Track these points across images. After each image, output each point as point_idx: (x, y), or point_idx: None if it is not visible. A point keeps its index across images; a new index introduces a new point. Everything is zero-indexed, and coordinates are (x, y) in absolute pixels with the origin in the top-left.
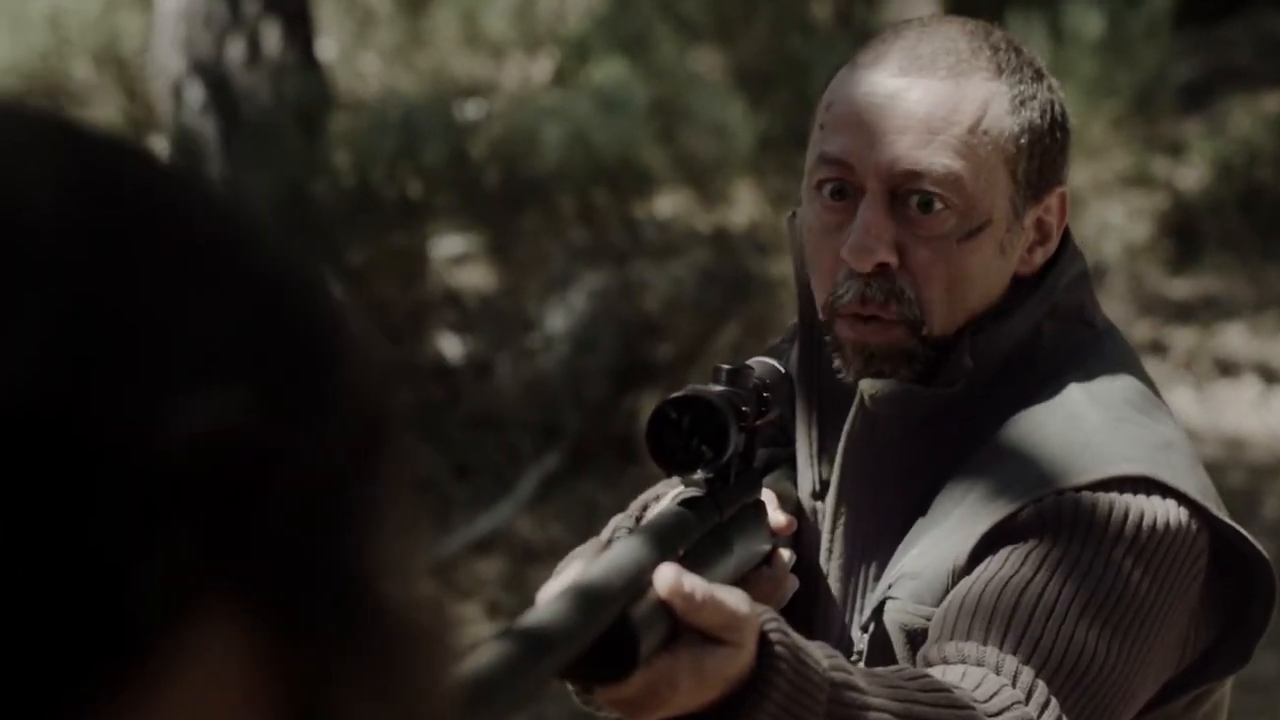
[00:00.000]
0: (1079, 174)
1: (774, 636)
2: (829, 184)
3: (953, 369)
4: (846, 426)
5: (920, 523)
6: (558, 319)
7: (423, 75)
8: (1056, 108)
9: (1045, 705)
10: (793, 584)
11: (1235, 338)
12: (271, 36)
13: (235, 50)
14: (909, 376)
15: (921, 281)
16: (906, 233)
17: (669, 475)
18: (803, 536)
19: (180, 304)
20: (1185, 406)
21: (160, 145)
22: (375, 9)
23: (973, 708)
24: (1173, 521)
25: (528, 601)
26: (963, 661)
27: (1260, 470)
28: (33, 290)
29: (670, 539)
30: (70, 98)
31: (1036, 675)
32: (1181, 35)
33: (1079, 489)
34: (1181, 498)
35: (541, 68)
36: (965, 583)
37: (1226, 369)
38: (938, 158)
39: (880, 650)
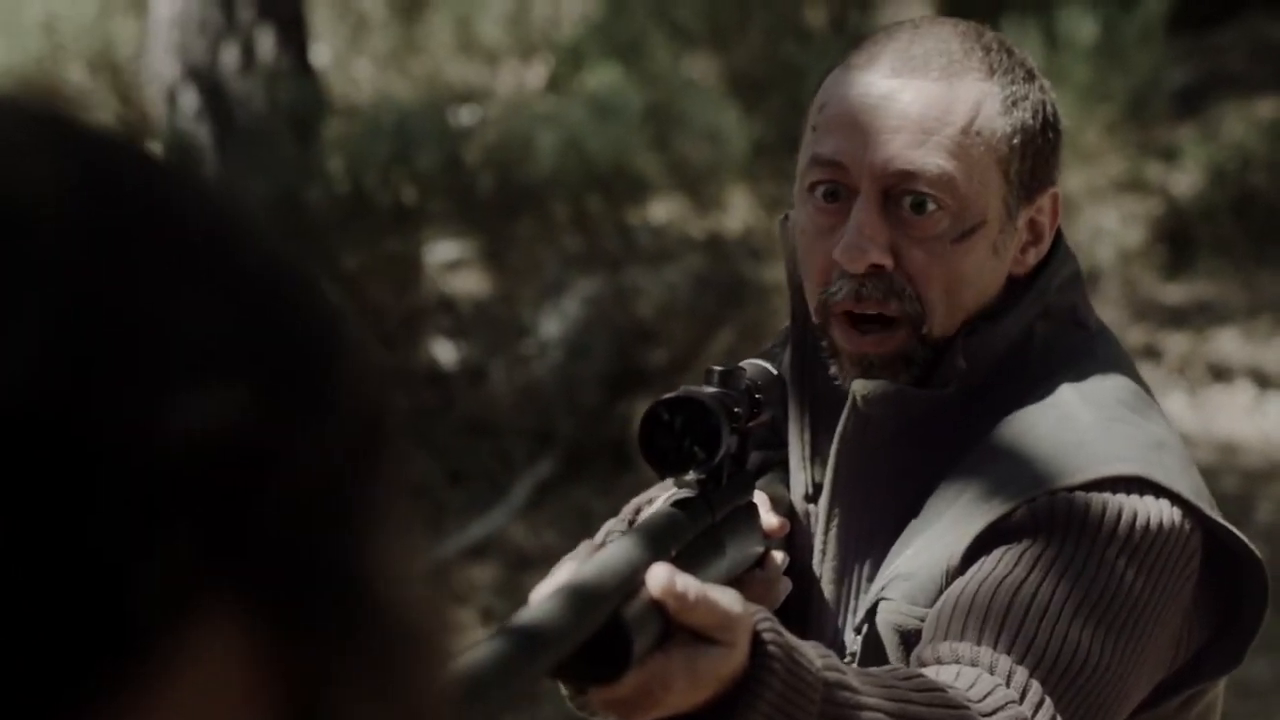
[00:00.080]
0: (1073, 179)
1: (767, 636)
2: (822, 186)
3: (946, 370)
4: (839, 428)
5: (913, 524)
6: (552, 325)
7: (417, 81)
8: (1048, 108)
9: (1039, 705)
10: (786, 586)
11: (1229, 343)
12: (266, 42)
13: (229, 56)
14: (907, 380)
15: (920, 282)
16: (900, 234)
17: (661, 476)
18: (796, 539)
19: (179, 303)
20: (1179, 411)
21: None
22: (369, 15)
23: (967, 707)
24: (1165, 521)
25: (521, 608)
26: (956, 661)
27: (1254, 475)
28: (33, 290)
29: (663, 539)
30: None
31: (1030, 675)
32: (1175, 41)
33: (1072, 489)
34: (1174, 498)
35: (536, 74)
36: (959, 583)
37: (1220, 374)
38: (931, 158)
39: (874, 652)
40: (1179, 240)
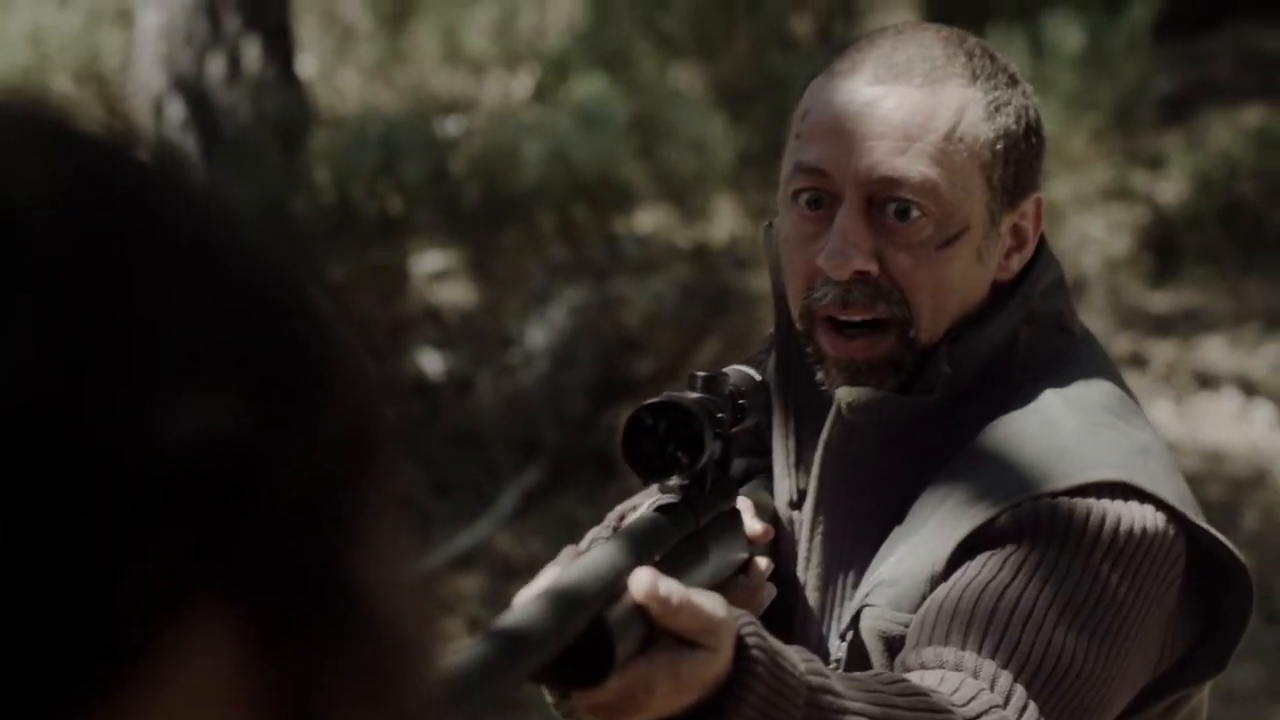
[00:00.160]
0: (1059, 187)
1: (751, 641)
2: (805, 193)
3: (931, 376)
4: (823, 435)
5: (897, 530)
6: (538, 335)
7: (403, 92)
8: (1031, 113)
9: (1023, 709)
10: (770, 592)
11: (1215, 351)
12: (252, 53)
13: (215, 67)
14: (893, 386)
15: (905, 288)
16: (884, 241)
17: (645, 481)
18: (780, 545)
19: (171, 307)
20: (1165, 419)
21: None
22: (355, 26)
23: (951, 711)
24: (1150, 526)
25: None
26: (941, 666)
27: (1240, 483)
28: (26, 292)
29: (646, 544)
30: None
31: (1015, 679)
32: (1161, 49)
33: (1056, 494)
34: (1158, 503)
35: (522, 84)
36: (943, 588)
37: (1206, 382)
38: (915, 165)
39: (858, 658)
40: (1165, 248)
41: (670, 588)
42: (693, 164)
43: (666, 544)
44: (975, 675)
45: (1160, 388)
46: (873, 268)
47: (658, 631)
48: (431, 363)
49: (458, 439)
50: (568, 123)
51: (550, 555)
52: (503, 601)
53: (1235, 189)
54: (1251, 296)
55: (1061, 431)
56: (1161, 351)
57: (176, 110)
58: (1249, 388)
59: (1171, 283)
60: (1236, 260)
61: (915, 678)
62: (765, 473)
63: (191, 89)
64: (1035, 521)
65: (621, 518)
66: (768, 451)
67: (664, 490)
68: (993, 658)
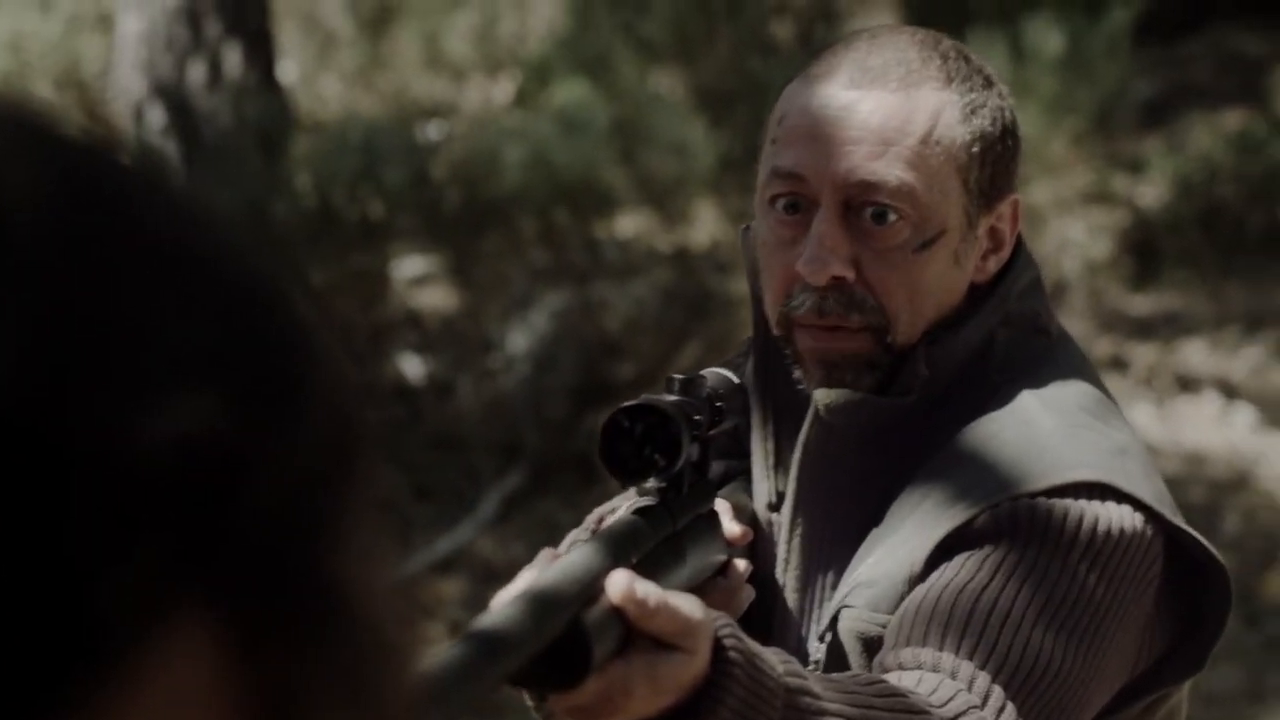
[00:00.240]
0: (1040, 191)
1: (728, 643)
2: (782, 198)
3: (908, 378)
4: (801, 437)
5: (875, 532)
6: (519, 339)
7: (384, 97)
8: (1007, 114)
9: (1001, 710)
10: (748, 594)
11: (1195, 354)
12: (232, 59)
13: (196, 72)
14: (870, 385)
15: (882, 293)
16: (861, 245)
17: (622, 484)
18: (759, 548)
19: (153, 311)
20: (1146, 422)
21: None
22: (336, 31)
23: (929, 712)
24: (1127, 527)
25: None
26: (919, 667)
27: (1220, 485)
28: (8, 295)
29: (623, 546)
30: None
31: (992, 680)
32: (1142, 52)
33: (1034, 495)
34: (1136, 503)
35: (502, 89)
36: (921, 589)
37: (1187, 385)
38: (892, 169)
39: (837, 660)
40: (1145, 252)
41: (647, 590)
42: (673, 168)
43: (644, 546)
44: (953, 676)
45: (1141, 390)
46: (849, 273)
47: (635, 634)
48: (412, 367)
49: (439, 443)
50: (548, 128)
51: (531, 559)
52: (484, 605)
53: (1216, 192)
54: (1232, 299)
55: (1039, 432)
56: (1142, 354)
57: (157, 116)
58: (1229, 390)
59: (1152, 286)
60: (1217, 263)
61: (893, 678)
62: (744, 475)
63: (172, 95)
64: (1013, 522)
65: (600, 520)
66: (747, 454)
67: (641, 493)
68: (970, 658)
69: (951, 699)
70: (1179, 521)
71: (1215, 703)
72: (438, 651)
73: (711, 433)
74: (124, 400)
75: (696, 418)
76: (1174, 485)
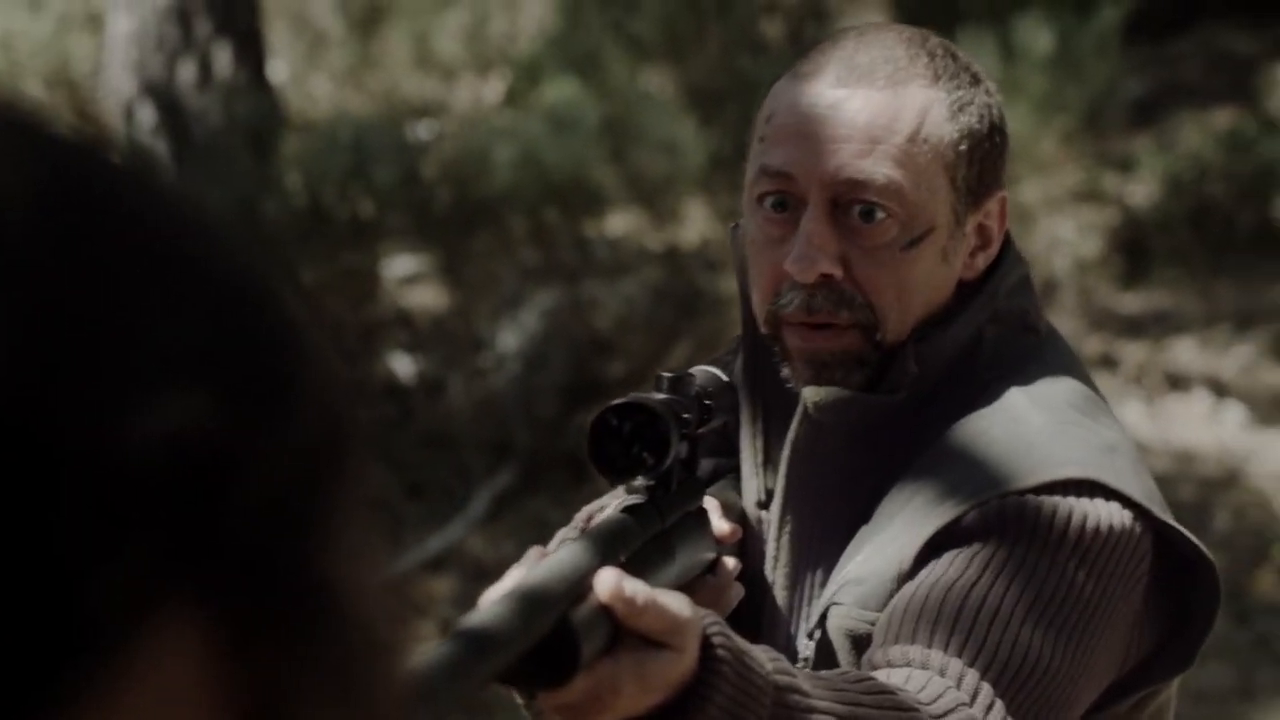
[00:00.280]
0: (1030, 190)
1: (717, 640)
2: (770, 196)
3: (897, 376)
4: (790, 435)
5: (864, 529)
6: (509, 338)
7: (374, 96)
8: (994, 111)
9: (990, 706)
10: (738, 592)
11: (1185, 352)
12: (223, 58)
13: (186, 72)
14: (858, 383)
15: (870, 290)
16: (849, 243)
17: (610, 482)
18: (748, 545)
19: (143, 309)
20: (1136, 420)
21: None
22: (326, 31)
23: (918, 710)
24: (1116, 524)
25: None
26: (907, 664)
27: (1211, 483)
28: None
29: (611, 544)
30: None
31: (981, 677)
32: (1131, 51)
33: (1023, 492)
34: (1125, 500)
35: (493, 88)
36: (910, 586)
37: (1177, 383)
38: (879, 167)
39: (826, 657)
40: (1135, 250)
41: (635, 588)
42: (663, 167)
43: (632, 544)
44: (942, 673)
45: (1131, 389)
46: (837, 271)
47: (623, 632)
48: (403, 366)
49: (429, 442)
50: (539, 127)
51: (522, 558)
52: (475, 604)
53: (1205, 191)
54: (1222, 298)
55: (1028, 429)
56: (1132, 353)
57: (147, 115)
58: (1219, 389)
59: (1142, 284)
60: (1207, 262)
61: (882, 676)
62: (734, 473)
63: (162, 94)
64: (1002, 519)
65: (589, 518)
66: (736, 452)
67: (630, 491)
68: (959, 655)
69: (940, 696)
70: (1168, 518)
71: (1205, 700)
72: (426, 650)
73: (700, 431)
74: (114, 399)
75: (685, 416)
76: (1164, 483)
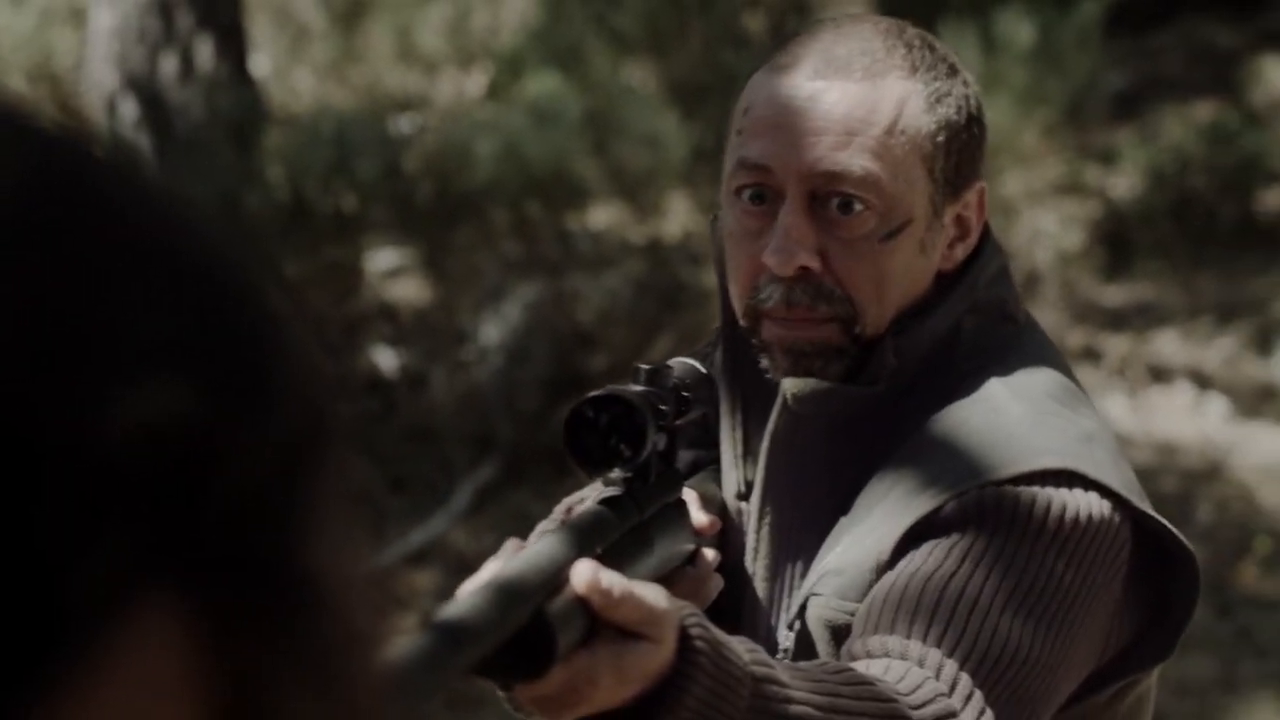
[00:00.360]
0: (1011, 182)
1: (694, 632)
2: (748, 189)
3: (876, 367)
4: (769, 427)
5: (844, 520)
6: (492, 331)
7: (356, 90)
8: (972, 102)
9: (969, 697)
10: (717, 583)
11: (1168, 344)
12: (205, 52)
13: (168, 66)
14: (837, 374)
15: (848, 283)
16: (828, 235)
17: (587, 474)
18: (728, 537)
19: (124, 302)
20: (1119, 412)
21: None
22: (309, 25)
23: (896, 700)
24: (1095, 514)
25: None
26: (886, 655)
27: (1193, 475)
28: None
29: (588, 536)
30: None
31: (960, 668)
32: (1113, 44)
33: (1001, 483)
34: (1104, 490)
35: (475, 82)
36: (889, 577)
37: (1159, 375)
38: (857, 159)
39: (806, 648)
40: (1118, 243)
41: (611, 580)
42: (646, 160)
43: (609, 536)
44: (921, 664)
45: (1114, 381)
46: (815, 263)
47: (600, 624)
48: (386, 359)
49: (412, 435)
50: (521, 120)
51: None
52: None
53: (1187, 183)
54: (1204, 290)
55: (1007, 420)
56: (1115, 345)
57: (130, 109)
58: (1202, 381)
59: (1124, 277)
60: (1189, 254)
61: (861, 666)
62: (714, 465)
63: (144, 88)
64: (980, 510)
65: (569, 510)
66: (716, 444)
67: (608, 483)
68: (938, 646)
69: (919, 686)
70: (1146, 508)
71: (1188, 693)
72: (402, 641)
73: (678, 423)
74: (95, 391)
75: (662, 408)
76: (1147, 476)
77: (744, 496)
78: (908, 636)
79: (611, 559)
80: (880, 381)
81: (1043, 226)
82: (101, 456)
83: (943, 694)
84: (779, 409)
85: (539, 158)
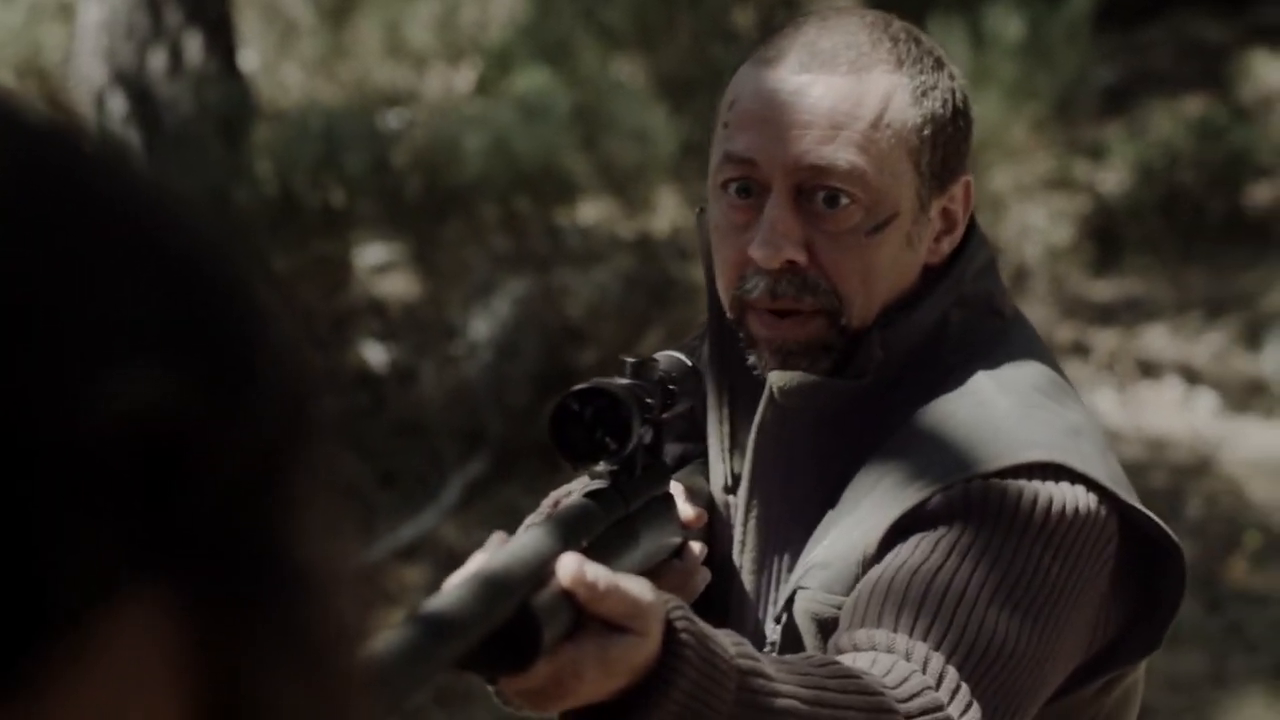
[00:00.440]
0: (1000, 177)
1: (680, 625)
2: (734, 182)
3: (863, 360)
4: (756, 420)
5: (831, 513)
6: (481, 326)
7: (345, 85)
8: (957, 96)
9: (955, 690)
10: (704, 576)
11: (1157, 339)
12: (193, 47)
13: (157, 60)
14: (824, 368)
15: (835, 276)
16: (813, 229)
17: (573, 467)
18: (715, 530)
19: (109, 290)
20: (1108, 407)
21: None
22: (297, 20)
23: (882, 694)
24: (1082, 507)
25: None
26: (872, 648)
27: (1183, 470)
28: None
29: (573, 529)
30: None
31: (946, 661)
32: (1102, 38)
33: (988, 476)
34: (1090, 483)
35: (464, 77)
36: (875, 570)
37: (1148, 370)
38: (842, 153)
39: (793, 641)
40: (1107, 237)
41: (597, 573)
42: (635, 155)
43: (595, 529)
44: (907, 657)
45: (1103, 376)
46: (801, 257)
47: (585, 617)
48: (375, 354)
49: (402, 430)
50: (510, 115)
51: None
52: None
53: (1176, 178)
54: (1193, 285)
55: (994, 413)
56: (1104, 340)
57: (118, 104)
58: (1191, 376)
59: (1113, 271)
60: (1178, 249)
61: (847, 660)
62: (701, 458)
63: (133, 83)
64: (967, 503)
65: (556, 503)
66: (703, 437)
67: (593, 476)
68: (925, 640)
69: (906, 680)
70: (1133, 501)
71: (1178, 688)
72: (386, 634)
73: (664, 416)
74: (82, 383)
75: (648, 401)
76: (1136, 471)
77: (731, 490)
78: (894, 630)
79: (597, 552)
80: (867, 375)
81: (1032, 221)
82: (87, 448)
83: (929, 687)
84: (765, 402)
85: (528, 153)
